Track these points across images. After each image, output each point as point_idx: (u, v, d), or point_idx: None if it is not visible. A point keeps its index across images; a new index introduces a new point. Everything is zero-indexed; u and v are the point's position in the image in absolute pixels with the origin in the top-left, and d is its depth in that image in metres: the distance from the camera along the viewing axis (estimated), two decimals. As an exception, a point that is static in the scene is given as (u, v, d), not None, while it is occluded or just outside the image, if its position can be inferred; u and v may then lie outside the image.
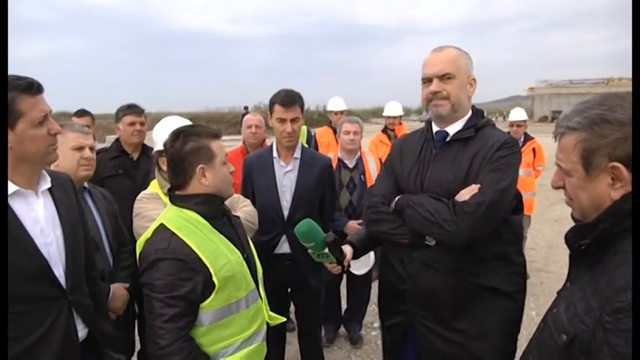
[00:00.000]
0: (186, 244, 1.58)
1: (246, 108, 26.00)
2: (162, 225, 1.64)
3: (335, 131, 5.12)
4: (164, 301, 1.53)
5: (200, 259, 1.58)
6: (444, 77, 1.81)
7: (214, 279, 1.59)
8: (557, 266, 5.62)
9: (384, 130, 5.77)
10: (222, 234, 1.71)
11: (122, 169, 3.30)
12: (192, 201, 1.69)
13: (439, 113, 1.85)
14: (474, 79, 1.87)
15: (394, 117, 5.70)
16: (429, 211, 1.73)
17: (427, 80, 1.86)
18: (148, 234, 1.66)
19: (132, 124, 3.37)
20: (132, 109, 3.43)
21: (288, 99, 2.63)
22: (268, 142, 3.86)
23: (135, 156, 3.41)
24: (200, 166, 1.66)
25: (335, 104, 5.56)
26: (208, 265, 1.58)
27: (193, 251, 1.58)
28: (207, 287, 1.59)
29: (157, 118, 4.25)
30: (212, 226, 1.69)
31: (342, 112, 5.42)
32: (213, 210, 1.73)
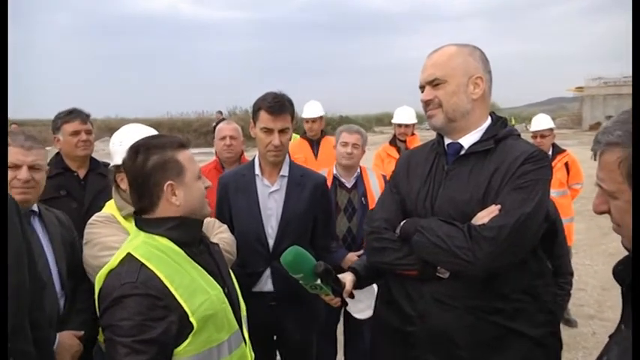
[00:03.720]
0: (157, 277, 1.64)
1: (220, 113, 25.95)
2: (128, 254, 1.70)
3: (311, 143, 5.27)
4: (130, 346, 1.56)
5: (174, 296, 1.63)
6: (433, 83, 1.97)
7: (192, 319, 1.64)
8: (614, 312, 5.47)
9: (393, 142, 5.70)
10: (199, 264, 1.79)
11: (65, 190, 3.34)
12: (164, 226, 1.75)
13: (433, 124, 2.01)
14: (481, 78, 1.96)
15: (406, 125, 5.60)
16: (440, 236, 1.82)
17: (421, 88, 2.03)
18: (112, 265, 1.71)
19: (75, 133, 3.39)
20: (75, 114, 3.45)
21: (277, 105, 2.68)
22: (247, 156, 3.98)
23: (81, 173, 3.45)
24: (168, 182, 1.73)
25: (310, 110, 5.40)
26: (183, 304, 1.64)
27: (166, 286, 1.64)
28: (183, 328, 1.64)
29: (106, 126, 4.30)
30: (188, 255, 1.77)
31: (320, 119, 5.37)
32: (190, 236, 1.81)
